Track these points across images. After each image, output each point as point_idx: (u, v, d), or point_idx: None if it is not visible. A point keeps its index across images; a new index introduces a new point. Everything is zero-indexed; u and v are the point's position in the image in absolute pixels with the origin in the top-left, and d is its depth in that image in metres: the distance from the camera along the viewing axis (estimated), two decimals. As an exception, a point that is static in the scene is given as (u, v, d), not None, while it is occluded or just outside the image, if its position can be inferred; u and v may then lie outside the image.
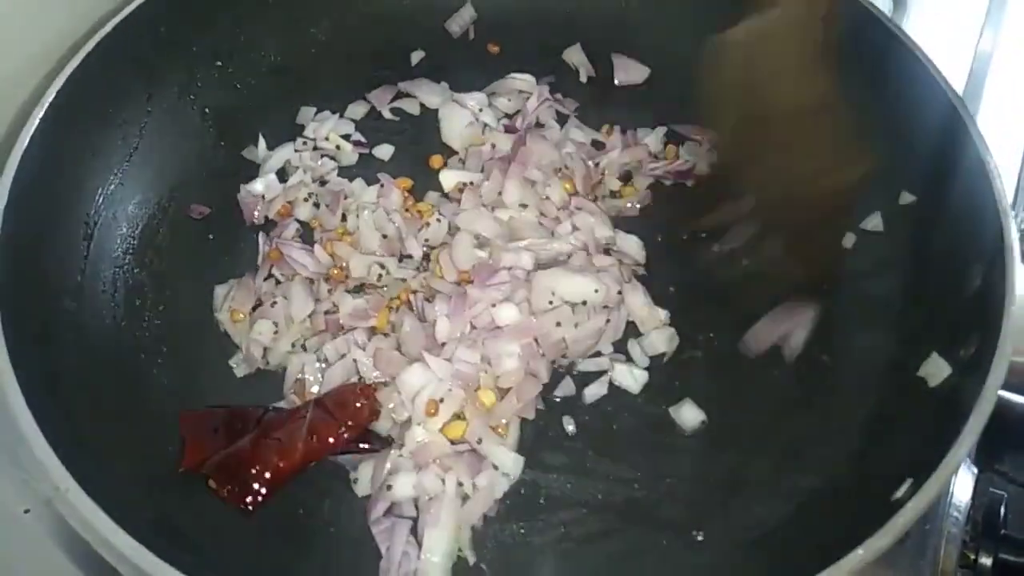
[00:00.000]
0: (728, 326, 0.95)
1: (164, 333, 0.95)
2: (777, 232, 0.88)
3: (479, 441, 0.85)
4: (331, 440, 0.82)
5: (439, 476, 0.84)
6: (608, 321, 0.92)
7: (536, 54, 1.18)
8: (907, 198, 0.97)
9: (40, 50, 0.99)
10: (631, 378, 0.92)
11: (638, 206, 1.05)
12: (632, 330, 0.96)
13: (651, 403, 0.91)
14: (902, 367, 0.86)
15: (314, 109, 1.14)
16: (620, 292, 0.94)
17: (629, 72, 1.16)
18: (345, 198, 1.03)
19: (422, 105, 1.15)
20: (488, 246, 0.97)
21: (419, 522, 0.83)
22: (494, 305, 0.90)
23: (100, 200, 0.99)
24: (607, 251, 0.99)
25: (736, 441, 0.88)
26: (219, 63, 1.11)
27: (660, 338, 0.94)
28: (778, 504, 0.83)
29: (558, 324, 0.90)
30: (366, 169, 1.09)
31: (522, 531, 0.84)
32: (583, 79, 1.17)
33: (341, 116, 1.14)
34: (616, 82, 1.16)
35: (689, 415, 0.89)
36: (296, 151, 1.10)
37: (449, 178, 1.06)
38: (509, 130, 1.09)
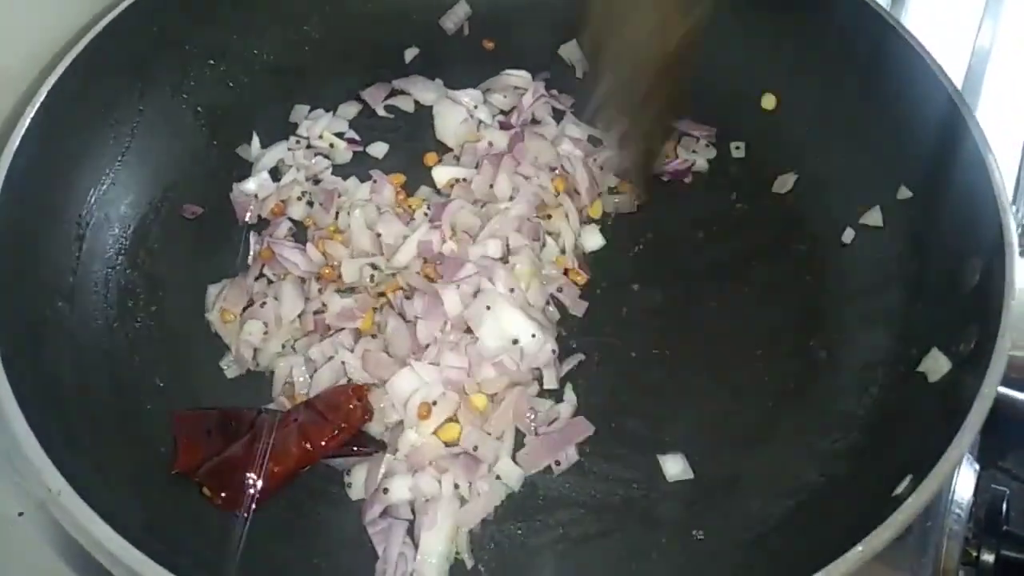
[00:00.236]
0: (725, 325, 0.94)
1: (156, 334, 0.94)
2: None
3: (475, 448, 0.84)
4: (324, 443, 0.81)
5: (435, 478, 0.83)
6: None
7: (531, 50, 1.17)
8: (906, 193, 0.96)
9: (31, 49, 0.98)
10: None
11: (636, 203, 1.04)
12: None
13: (649, 403, 0.90)
14: (902, 362, 0.86)
15: (308, 107, 1.13)
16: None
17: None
18: (339, 196, 1.03)
19: (416, 102, 1.14)
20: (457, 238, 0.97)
21: (416, 524, 0.82)
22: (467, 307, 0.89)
23: (92, 200, 0.98)
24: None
25: (734, 438, 0.88)
26: (212, 61, 1.11)
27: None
28: (777, 502, 0.83)
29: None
30: (360, 167, 1.08)
31: (519, 532, 0.83)
32: (579, 75, 1.17)
33: (335, 114, 1.13)
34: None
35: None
36: (289, 150, 1.09)
37: (442, 174, 1.05)
38: (504, 127, 1.09)
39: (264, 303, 0.94)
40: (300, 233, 1.02)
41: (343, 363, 0.89)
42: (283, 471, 0.80)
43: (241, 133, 1.10)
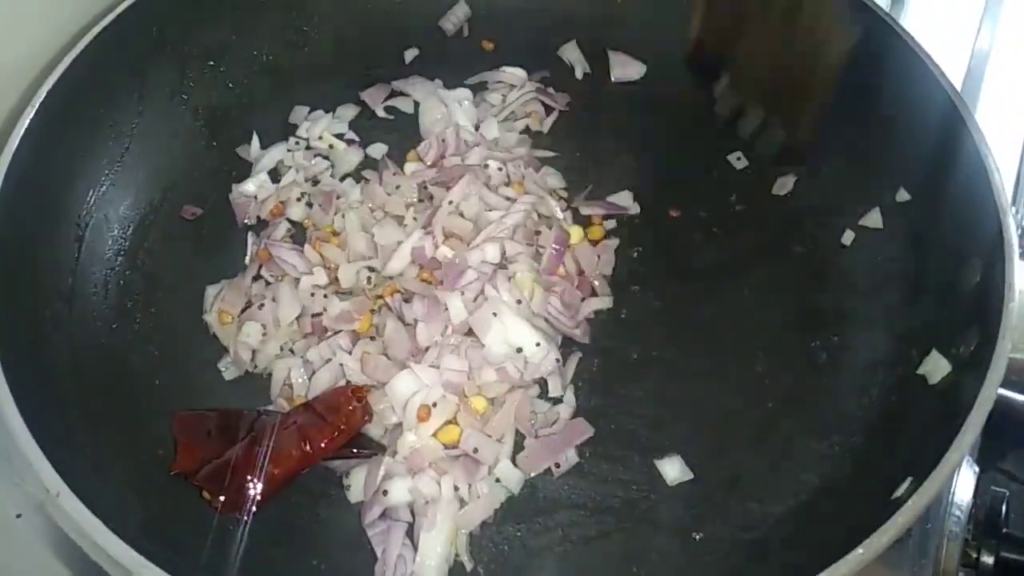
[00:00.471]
0: (724, 326, 0.94)
1: (155, 335, 0.94)
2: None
3: (475, 450, 0.84)
4: (324, 445, 0.81)
5: (435, 480, 0.83)
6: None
7: (531, 51, 1.17)
8: (905, 195, 0.96)
9: (30, 51, 0.98)
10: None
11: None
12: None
13: (649, 404, 0.90)
14: (901, 364, 0.86)
15: (307, 108, 1.13)
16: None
17: (626, 68, 1.16)
18: (337, 198, 1.02)
19: (416, 103, 1.14)
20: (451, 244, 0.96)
21: (415, 526, 0.82)
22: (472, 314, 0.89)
23: (91, 201, 0.98)
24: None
25: (734, 440, 0.88)
26: (211, 62, 1.10)
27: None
28: (777, 503, 0.83)
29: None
30: (359, 168, 1.08)
31: (519, 534, 0.83)
32: (578, 75, 1.17)
33: (334, 115, 1.13)
34: (612, 78, 1.16)
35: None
36: (289, 151, 1.09)
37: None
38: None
39: (262, 305, 0.94)
40: (299, 234, 1.02)
41: (341, 365, 0.89)
42: (283, 473, 0.80)
43: (240, 134, 1.09)
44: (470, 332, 0.89)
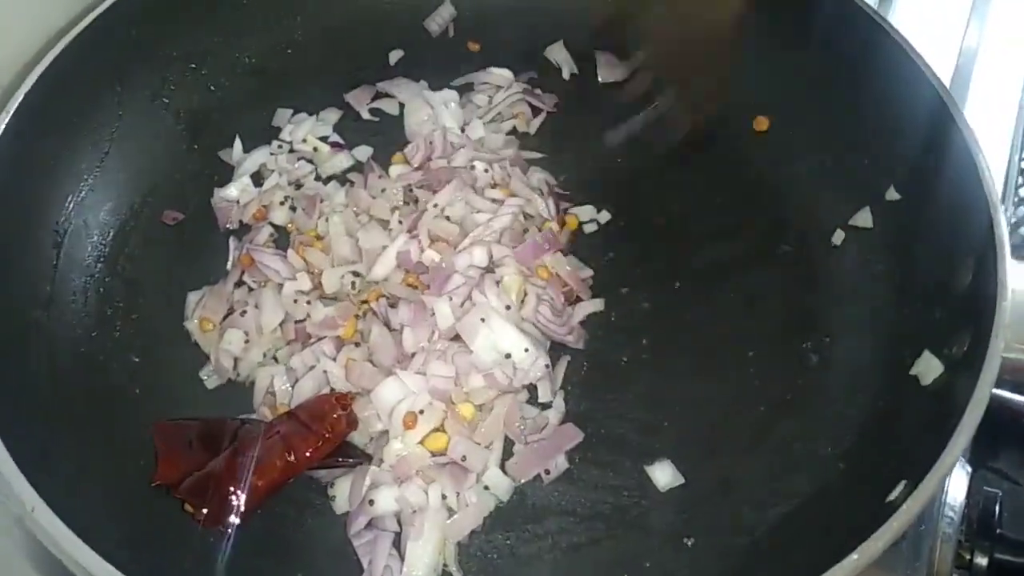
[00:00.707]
0: (714, 328, 0.93)
1: (136, 342, 0.93)
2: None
3: (463, 458, 0.83)
4: (309, 454, 0.79)
5: (422, 488, 0.82)
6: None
7: (517, 52, 1.16)
8: (895, 194, 0.96)
9: (7, 52, 0.97)
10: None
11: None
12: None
13: (639, 409, 0.89)
14: (893, 366, 0.85)
15: (291, 111, 1.12)
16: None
17: (613, 69, 1.15)
18: (321, 201, 1.01)
19: (401, 105, 1.13)
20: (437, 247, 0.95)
21: (402, 536, 0.80)
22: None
23: (70, 207, 0.96)
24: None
25: (725, 444, 0.87)
26: (193, 65, 1.09)
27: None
28: (770, 508, 0.82)
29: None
30: (343, 171, 1.07)
31: (508, 542, 0.82)
32: (566, 76, 1.16)
33: (318, 118, 1.11)
34: (600, 79, 1.14)
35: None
36: (272, 154, 1.08)
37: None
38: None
39: (244, 311, 0.92)
40: (282, 239, 1.01)
41: (325, 372, 0.87)
42: (266, 484, 0.78)
43: (222, 138, 1.08)
44: (457, 337, 0.88)
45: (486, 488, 0.83)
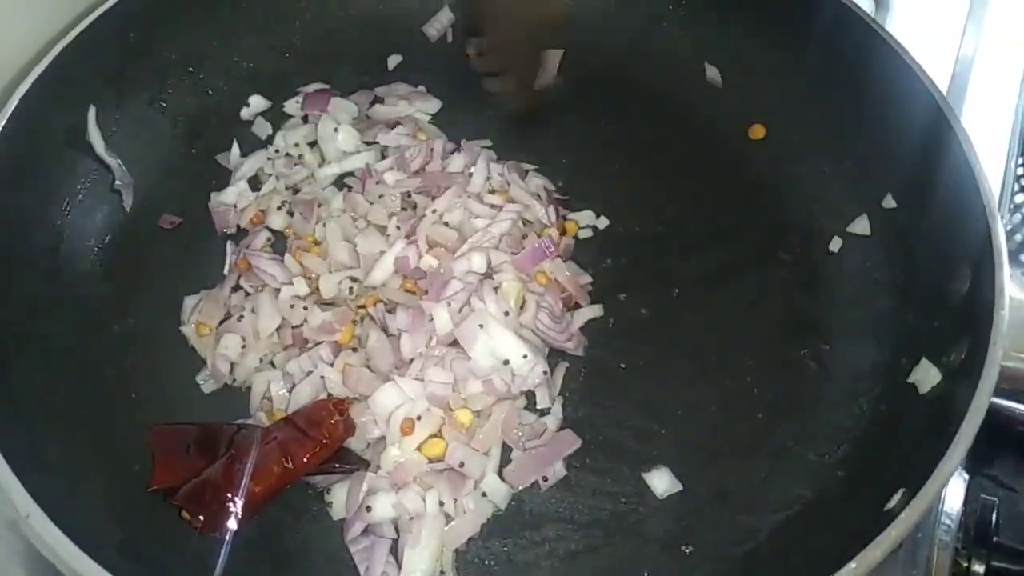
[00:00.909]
0: (712, 335, 0.93)
1: (132, 347, 0.92)
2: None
3: (461, 464, 0.82)
4: (306, 460, 0.79)
5: (420, 495, 0.81)
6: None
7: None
8: (892, 201, 0.96)
9: (4, 56, 0.96)
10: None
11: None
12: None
13: (637, 415, 0.89)
14: (892, 373, 0.85)
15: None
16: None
17: (610, 75, 1.14)
18: (319, 206, 1.01)
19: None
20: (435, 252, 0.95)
21: (399, 542, 0.80)
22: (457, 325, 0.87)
23: (68, 211, 0.96)
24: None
25: (724, 451, 0.86)
26: (190, 68, 1.09)
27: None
28: (767, 516, 0.82)
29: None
30: (341, 176, 1.06)
31: (506, 549, 0.82)
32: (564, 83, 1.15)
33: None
34: (597, 86, 1.14)
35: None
36: (269, 158, 1.07)
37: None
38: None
39: (241, 316, 0.92)
40: (279, 244, 1.00)
41: (323, 378, 0.87)
42: (264, 491, 0.78)
43: (220, 142, 1.08)
44: (455, 343, 0.88)
45: (484, 495, 0.83)
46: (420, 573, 0.78)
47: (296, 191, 1.05)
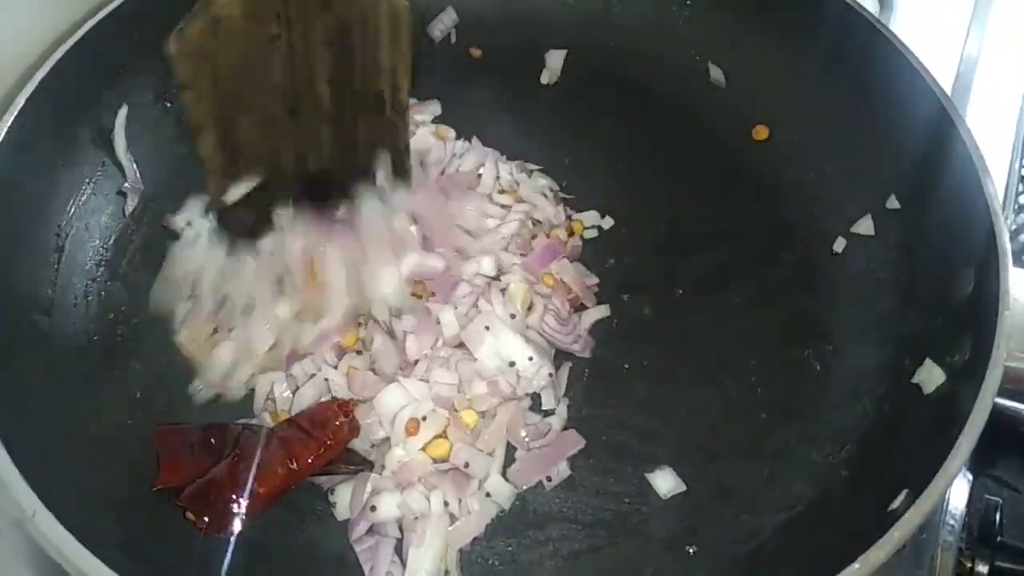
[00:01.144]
0: (716, 336, 0.93)
1: (137, 348, 0.92)
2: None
3: (466, 465, 0.82)
4: (310, 461, 0.79)
5: (424, 495, 0.81)
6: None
7: (519, 58, 1.16)
8: (896, 202, 0.96)
9: (8, 57, 0.96)
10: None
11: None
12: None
13: (640, 415, 0.89)
14: (895, 374, 0.85)
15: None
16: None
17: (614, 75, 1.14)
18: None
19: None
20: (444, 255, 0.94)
21: (404, 542, 0.80)
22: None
23: (72, 211, 0.96)
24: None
25: (727, 451, 0.87)
26: (195, 68, 1.09)
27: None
28: (771, 516, 0.82)
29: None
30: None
31: (510, 549, 0.82)
32: (545, 81, 1.15)
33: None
34: (602, 86, 1.14)
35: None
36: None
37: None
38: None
39: (232, 328, 0.90)
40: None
41: (326, 380, 0.87)
42: (268, 492, 0.78)
43: (225, 142, 1.08)
44: (460, 344, 0.88)
45: (488, 495, 0.83)
46: (424, 573, 0.78)
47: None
